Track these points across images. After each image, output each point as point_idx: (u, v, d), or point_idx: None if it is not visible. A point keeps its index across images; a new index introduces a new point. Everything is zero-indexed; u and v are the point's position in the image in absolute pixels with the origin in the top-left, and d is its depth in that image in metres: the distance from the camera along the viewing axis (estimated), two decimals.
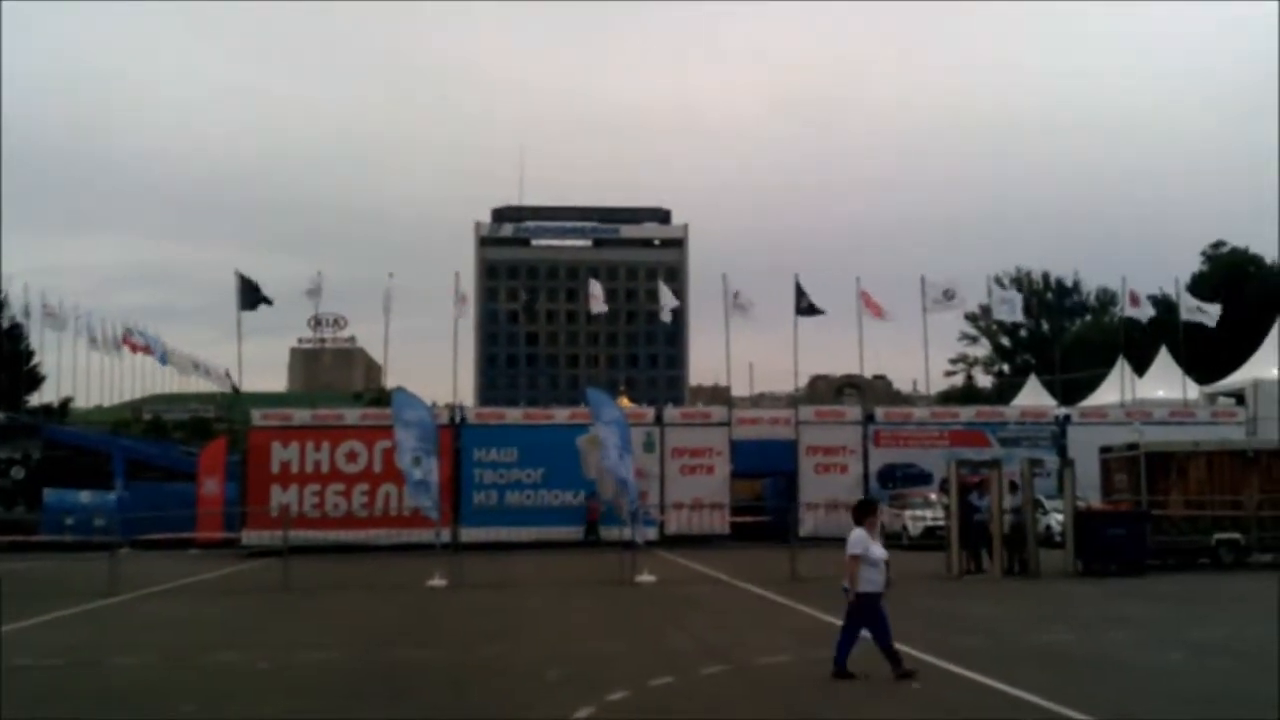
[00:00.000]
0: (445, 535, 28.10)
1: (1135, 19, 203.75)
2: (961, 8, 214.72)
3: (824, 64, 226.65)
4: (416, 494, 26.75)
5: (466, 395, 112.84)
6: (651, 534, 35.04)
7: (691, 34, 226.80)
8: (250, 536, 36.37)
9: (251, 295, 43.45)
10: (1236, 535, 27.11)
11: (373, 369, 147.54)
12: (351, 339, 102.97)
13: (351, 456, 38.33)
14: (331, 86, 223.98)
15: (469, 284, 47.85)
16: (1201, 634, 16.43)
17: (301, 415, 40.09)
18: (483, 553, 32.14)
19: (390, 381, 59.50)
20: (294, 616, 20.40)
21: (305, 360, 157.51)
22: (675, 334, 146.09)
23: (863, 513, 13.10)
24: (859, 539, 12.66)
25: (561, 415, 42.56)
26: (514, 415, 43.25)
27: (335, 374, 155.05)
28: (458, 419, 39.74)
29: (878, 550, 12.71)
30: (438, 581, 24.57)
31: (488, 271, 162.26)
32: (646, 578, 25.02)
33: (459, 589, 23.95)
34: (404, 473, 26.88)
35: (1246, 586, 23.41)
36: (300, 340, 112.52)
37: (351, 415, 41.60)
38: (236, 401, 43.77)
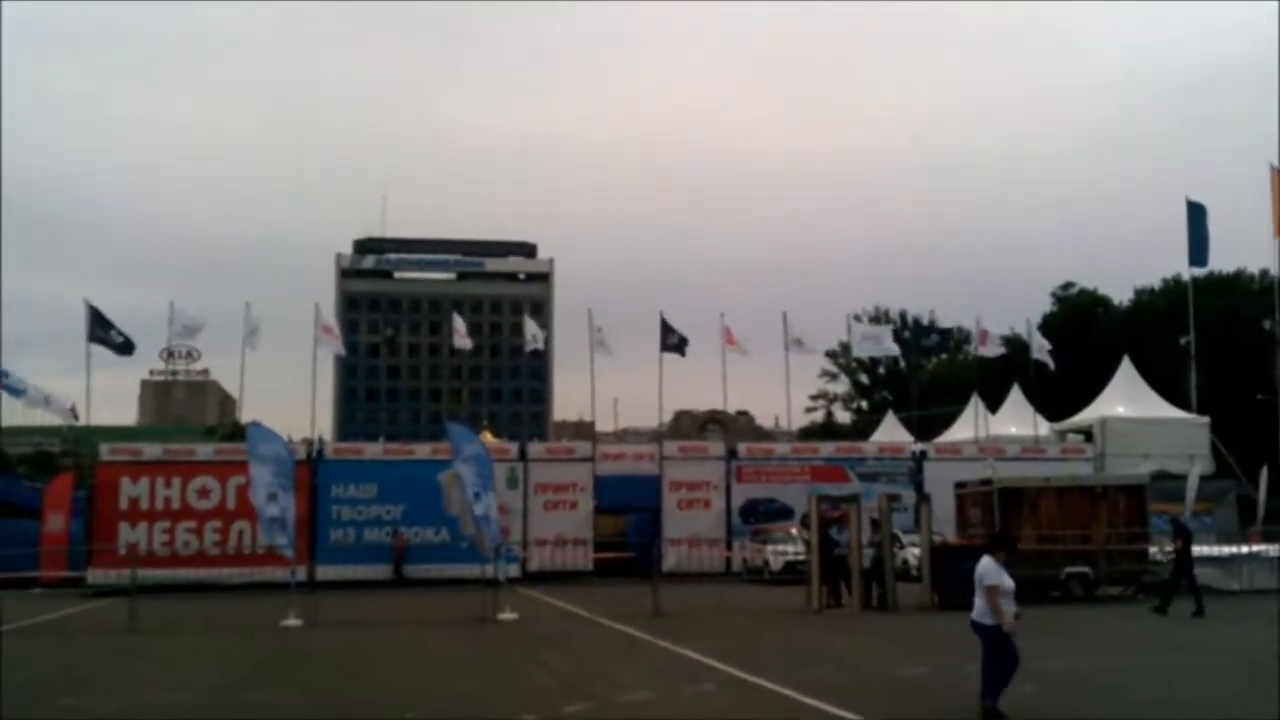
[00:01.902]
0: (301, 574, 27.42)
1: (986, 62, 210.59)
2: (818, 48, 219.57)
3: (684, 102, 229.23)
4: (271, 531, 26.06)
5: (325, 430, 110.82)
6: (513, 571, 34.68)
7: (556, 67, 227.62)
8: (96, 575, 35.06)
9: (103, 330, 42.01)
10: (1086, 569, 27.84)
11: (227, 402, 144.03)
12: (205, 371, 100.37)
13: (204, 493, 37.28)
14: (189, 109, 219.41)
15: (329, 316, 47.04)
16: (1053, 666, 16.76)
17: (152, 450, 38.89)
18: (340, 591, 31.49)
19: (245, 415, 58.07)
20: (141, 659, 19.64)
21: (157, 393, 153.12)
22: (540, 369, 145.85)
23: (999, 543, 12.64)
24: (993, 569, 12.02)
25: (423, 450, 41.93)
26: (373, 450, 42.56)
27: (188, 407, 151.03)
28: (315, 454, 38.94)
29: (1009, 581, 12.08)
30: (293, 621, 23.94)
31: (349, 304, 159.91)
32: (508, 615, 24.75)
33: (315, 629, 23.37)
34: (258, 509, 26.19)
35: (1096, 619, 24.05)
36: (152, 372, 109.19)
37: (204, 450, 40.47)
38: (84, 435, 42.23)
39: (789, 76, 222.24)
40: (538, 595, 31.35)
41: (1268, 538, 34.03)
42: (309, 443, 40.09)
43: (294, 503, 26.37)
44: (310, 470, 37.24)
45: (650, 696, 14.41)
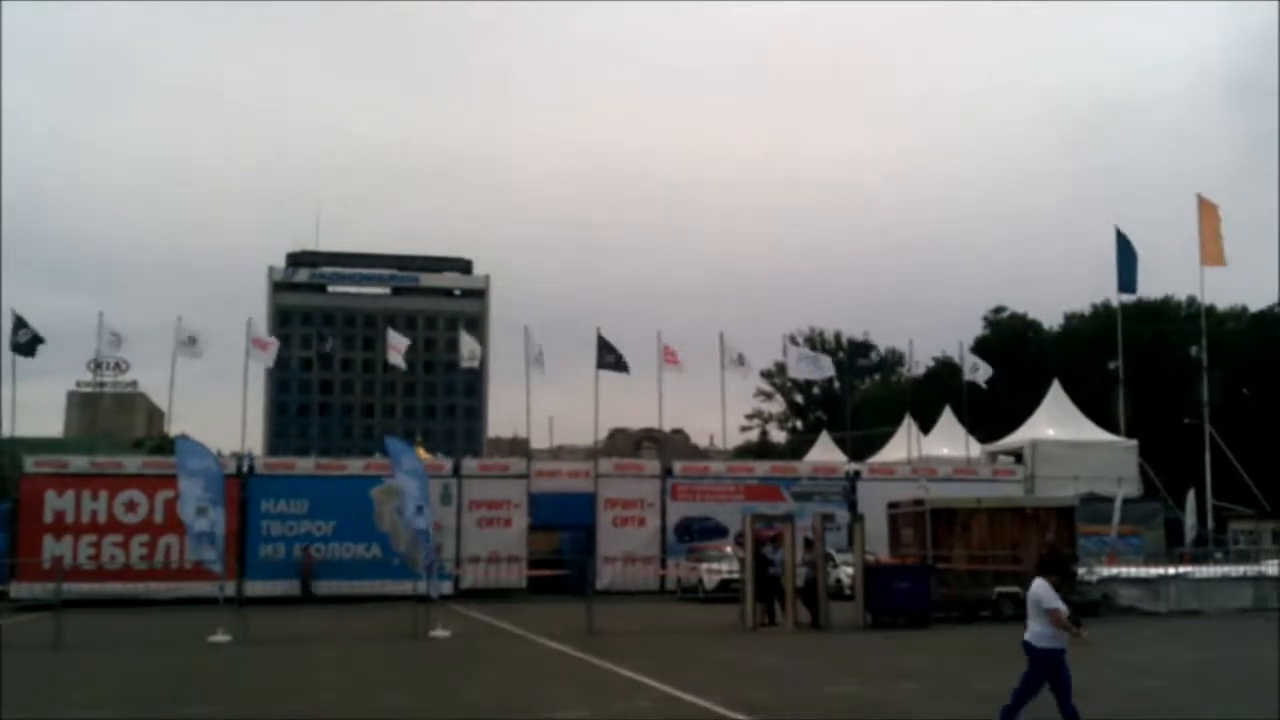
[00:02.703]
0: (230, 589, 27.03)
1: (919, 95, 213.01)
2: (757, 75, 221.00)
3: (622, 121, 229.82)
4: (200, 546, 25.71)
5: (255, 444, 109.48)
6: (446, 588, 34.41)
7: (494, 82, 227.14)
8: (20, 589, 34.33)
9: (26, 338, 41.28)
10: (1016, 589, 27.99)
11: (156, 415, 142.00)
12: (134, 383, 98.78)
13: (131, 506, 36.72)
14: (120, 119, 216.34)
15: (261, 330, 46.57)
16: (983, 685, 16.89)
17: (78, 462, 38.22)
18: (270, 607, 31.09)
19: (175, 429, 57.34)
20: (65, 675, 19.22)
21: (83, 404, 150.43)
22: (474, 385, 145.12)
23: (1052, 566, 12.33)
24: (1049, 592, 11.68)
25: (355, 466, 41.68)
26: (305, 465, 42.06)
27: (115, 419, 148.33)
28: (245, 468, 38.47)
29: (1063, 604, 11.77)
30: (221, 637, 23.59)
31: (281, 317, 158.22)
32: (441, 632, 24.55)
33: (244, 645, 23.04)
34: (187, 524, 25.82)
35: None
36: (79, 383, 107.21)
37: (132, 463, 39.80)
38: (8, 447, 41.40)
39: (727, 101, 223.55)
40: (471, 612, 31.13)
41: (1195, 560, 34.69)
42: (239, 457, 39.58)
43: (223, 518, 26.03)
44: (240, 485, 36.82)
45: (584, 715, 14.35)
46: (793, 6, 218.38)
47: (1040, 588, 11.70)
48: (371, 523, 37.99)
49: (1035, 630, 11.68)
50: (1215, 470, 48.39)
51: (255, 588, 33.18)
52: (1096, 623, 27.37)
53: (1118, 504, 38.79)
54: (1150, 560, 34.63)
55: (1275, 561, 33.75)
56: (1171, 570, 31.45)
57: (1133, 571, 31.88)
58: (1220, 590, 30.59)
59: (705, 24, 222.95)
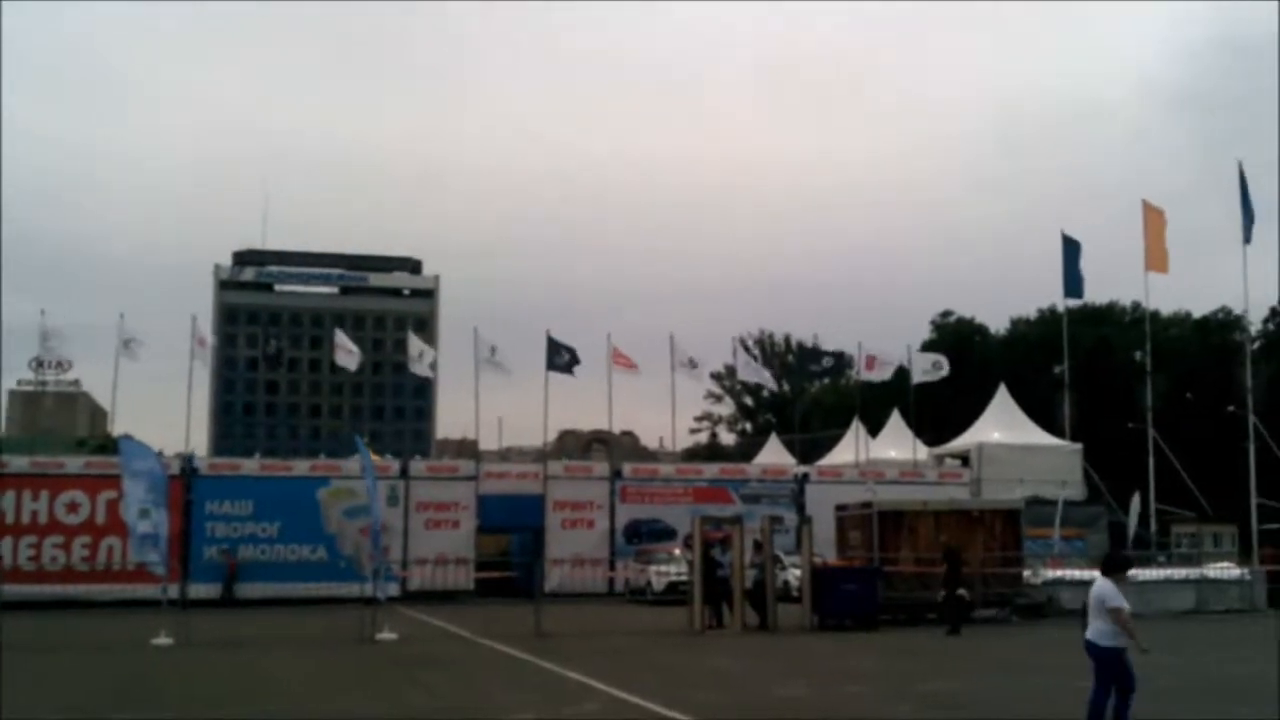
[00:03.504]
0: (173, 591, 26.68)
1: (872, 98, 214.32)
2: (713, 84, 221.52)
3: (571, 123, 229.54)
4: (142, 548, 25.36)
5: (200, 444, 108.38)
6: (393, 590, 34.17)
7: (444, 83, 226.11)
8: None
9: None
10: (962, 591, 28.27)
11: (99, 415, 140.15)
12: (76, 382, 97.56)
13: (72, 507, 36.16)
14: (62, 114, 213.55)
15: (206, 329, 46.03)
16: (931, 687, 17.00)
17: (18, 462, 37.58)
18: (213, 609, 30.74)
19: (118, 428, 56.57)
20: (5, 679, 18.85)
21: (24, 403, 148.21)
22: (423, 385, 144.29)
23: (1117, 566, 12.37)
24: (1114, 591, 11.69)
25: (301, 467, 41.31)
26: (250, 466, 41.61)
27: (57, 419, 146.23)
28: (189, 469, 38.03)
29: (1127, 604, 11.78)
30: (163, 640, 23.27)
31: (227, 316, 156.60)
32: (387, 635, 24.35)
33: (187, 648, 22.75)
34: (130, 525, 25.48)
35: (971, 641, 24.45)
36: (20, 382, 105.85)
37: (74, 463, 39.19)
38: None
39: (680, 105, 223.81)
40: (418, 615, 30.93)
41: (1140, 563, 35.06)
42: (183, 458, 39.12)
43: (167, 519, 25.70)
44: (184, 486, 36.43)
45: (532, 718, 14.27)
46: (741, 9, 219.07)
47: (1104, 586, 11.71)
48: (318, 524, 37.69)
49: (1098, 628, 11.64)
50: (1158, 474, 48.95)
51: (199, 590, 32.77)
52: (1041, 625, 27.74)
53: (1059, 507, 39.13)
54: (1094, 563, 34.93)
55: (1217, 564, 34.28)
56: None
57: (1077, 574, 32.16)
58: (1163, 593, 30.91)
59: (658, 26, 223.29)
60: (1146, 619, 28.74)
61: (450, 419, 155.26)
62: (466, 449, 77.40)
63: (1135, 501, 43.37)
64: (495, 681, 18.21)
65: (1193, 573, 33.21)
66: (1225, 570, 33.81)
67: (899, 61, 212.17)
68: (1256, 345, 63.96)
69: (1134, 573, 32.07)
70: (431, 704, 15.70)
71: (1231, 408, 49.34)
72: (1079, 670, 18.91)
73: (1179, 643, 24.08)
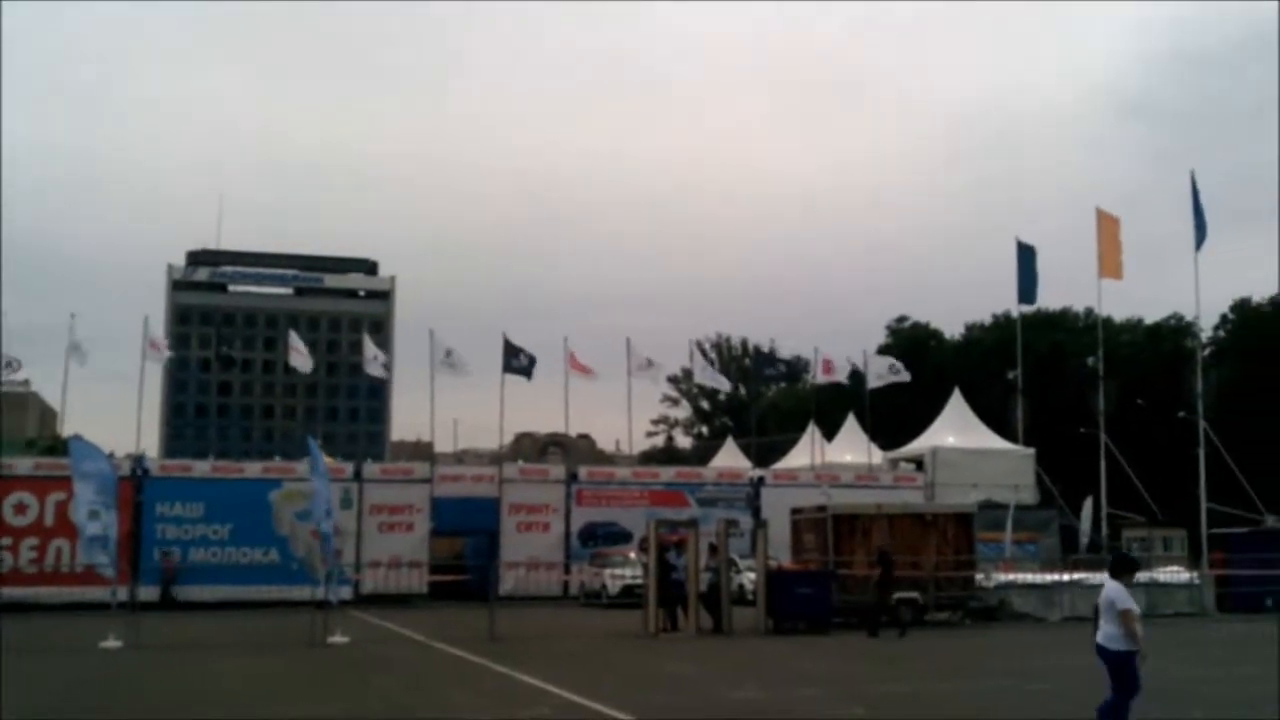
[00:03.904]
0: (122, 594, 26.36)
1: (827, 103, 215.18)
2: (668, 86, 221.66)
3: (527, 125, 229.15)
4: (92, 550, 25.07)
5: (151, 446, 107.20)
6: (346, 593, 33.93)
7: (400, 84, 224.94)
8: None
9: None
10: (915, 594, 28.40)
11: (48, 415, 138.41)
12: (26, 382, 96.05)
13: (21, 509, 35.62)
14: (15, 112, 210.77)
15: (159, 329, 45.47)
16: (884, 689, 17.06)
17: None
18: (164, 612, 30.42)
19: (68, 429, 55.84)
20: None
21: None
22: (378, 387, 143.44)
23: (1125, 568, 12.23)
24: (1124, 593, 11.64)
25: (253, 469, 40.96)
26: (202, 468, 41.16)
27: (6, 419, 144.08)
28: (140, 470, 37.61)
29: (1137, 607, 11.75)
30: (112, 643, 22.98)
31: (180, 317, 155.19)
32: (340, 639, 24.15)
33: (137, 651, 22.47)
34: (79, 527, 25.16)
35: (923, 644, 24.57)
36: None
37: (23, 465, 38.64)
38: None
39: (637, 107, 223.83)
40: (371, 618, 30.72)
41: (1090, 566, 35.35)
42: (134, 459, 38.67)
43: (116, 521, 25.41)
44: (134, 487, 36.01)
45: None
46: (695, 9, 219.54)
47: (1114, 589, 11.67)
48: (270, 526, 37.37)
49: (1108, 632, 11.62)
50: (1110, 479, 49.44)
51: (150, 593, 32.38)
52: (993, 628, 27.94)
53: (1010, 512, 39.43)
54: (1045, 567, 35.26)
55: (1167, 568, 34.63)
56: (1066, 577, 32.02)
57: (1028, 578, 32.43)
58: None
59: (624, 26, 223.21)
60: None
61: (405, 421, 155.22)
62: (421, 451, 77.09)
63: (1087, 506, 43.80)
64: (449, 685, 18.10)
65: (1143, 576, 33.48)
66: (1175, 574, 34.17)
67: (857, 68, 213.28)
68: (1207, 352, 64.74)
69: (1085, 576, 32.57)
70: (384, 707, 15.58)
71: (1182, 413, 49.92)
72: (1031, 673, 19.10)
73: None
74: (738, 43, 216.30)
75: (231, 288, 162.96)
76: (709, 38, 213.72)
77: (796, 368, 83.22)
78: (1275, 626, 27.77)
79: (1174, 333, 76.33)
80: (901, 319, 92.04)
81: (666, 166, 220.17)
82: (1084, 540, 42.61)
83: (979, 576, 30.28)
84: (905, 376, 50.65)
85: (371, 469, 42.18)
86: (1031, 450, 49.28)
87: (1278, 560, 32.53)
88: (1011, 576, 32.24)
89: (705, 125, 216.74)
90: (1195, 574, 34.02)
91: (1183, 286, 58.95)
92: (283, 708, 15.56)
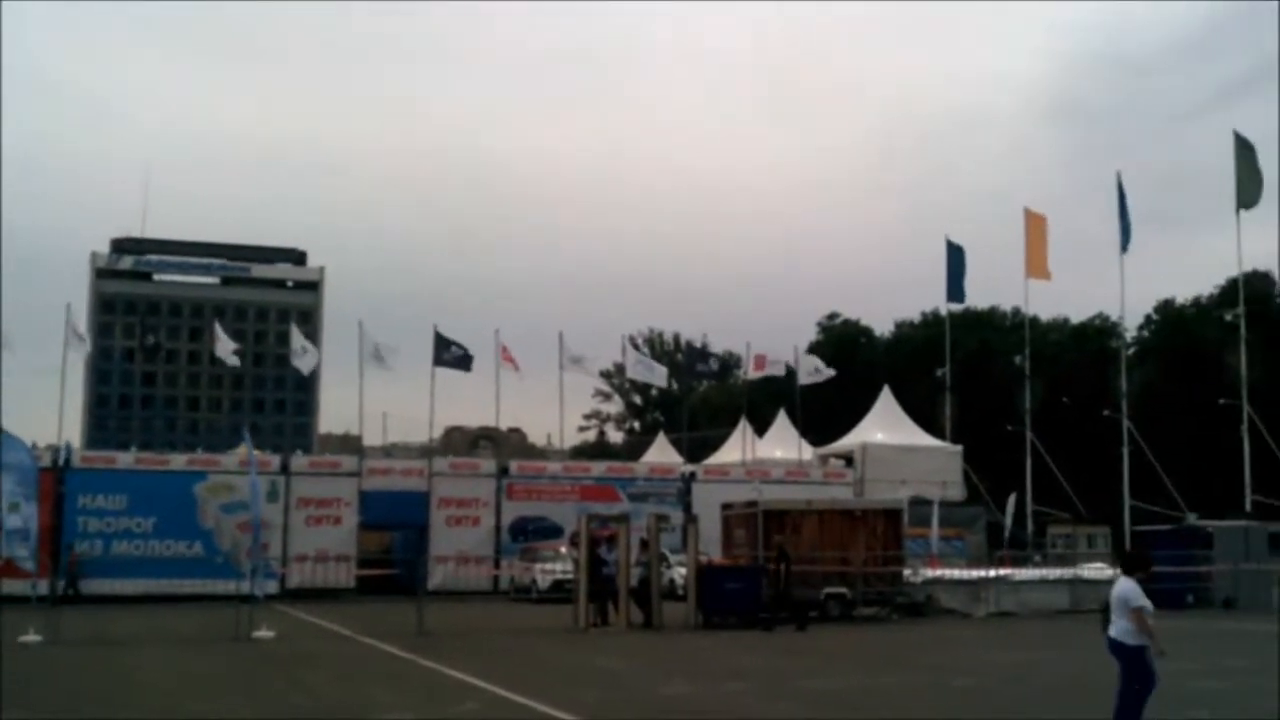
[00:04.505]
0: (42, 588, 25.84)
1: (760, 97, 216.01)
2: (601, 76, 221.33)
3: (463, 114, 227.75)
4: (11, 543, 24.54)
5: (73, 437, 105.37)
6: (271, 587, 33.53)
7: (330, 73, 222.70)
8: None
9: None
10: (844, 590, 28.60)
11: None
12: None
13: None
14: None
15: (82, 318, 44.62)
16: (813, 684, 17.10)
17: None
18: (86, 606, 29.86)
19: None
20: None
21: None
22: (306, 379, 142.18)
23: (1137, 565, 12.15)
24: (1136, 590, 11.57)
25: (178, 461, 40.40)
26: (125, 460, 40.55)
27: None
28: (62, 462, 36.91)
29: (1149, 603, 11.63)
30: (32, 637, 22.49)
31: (103, 306, 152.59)
32: (265, 633, 23.83)
33: (57, 645, 22.02)
34: None
35: (851, 638, 24.73)
36: None
37: None
38: None
39: (567, 97, 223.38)
40: (297, 613, 30.37)
41: (1015, 563, 35.85)
42: (55, 450, 37.95)
43: (37, 513, 24.90)
44: (56, 479, 35.38)
45: (412, 718, 14.06)
46: (642, 9, 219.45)
47: (1126, 586, 11.66)
48: (194, 520, 36.86)
49: (1121, 627, 11.58)
50: (1035, 476, 50.10)
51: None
52: (920, 624, 28.17)
53: (935, 508, 39.78)
54: (972, 563, 35.66)
55: (1091, 565, 35.16)
56: (992, 573, 32.40)
57: (955, 574, 32.78)
58: (1039, 592, 31.64)
59: (538, 18, 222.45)
60: (1022, 618, 29.55)
61: (334, 414, 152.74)
62: (350, 444, 76.32)
63: (1010, 502, 44.31)
64: (375, 680, 17.90)
65: (1067, 573, 34.03)
66: (1098, 570, 34.68)
67: (788, 64, 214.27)
68: (1131, 351, 65.73)
69: (1011, 572, 33.00)
70: (309, 703, 15.37)
71: (1107, 412, 50.70)
72: (958, 668, 19.26)
73: (1055, 641, 24.66)
74: (673, 38, 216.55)
75: (157, 277, 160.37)
76: (648, 32, 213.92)
77: (728, 363, 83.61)
78: (1194, 622, 28.32)
79: (1099, 332, 77.47)
80: (833, 316, 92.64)
81: (600, 160, 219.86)
82: (1008, 536, 43.09)
83: (906, 572, 30.53)
84: (828, 374, 50.98)
85: (299, 462, 41.85)
86: (959, 447, 49.81)
87: (1198, 558, 33.14)
88: (938, 572, 32.57)
89: (639, 119, 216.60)
90: (1118, 570, 34.51)
91: (1108, 287, 59.84)
92: (206, 704, 15.31)
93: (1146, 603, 11.46)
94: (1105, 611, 11.94)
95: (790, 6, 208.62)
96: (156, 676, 18.17)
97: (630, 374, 57.02)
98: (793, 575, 26.58)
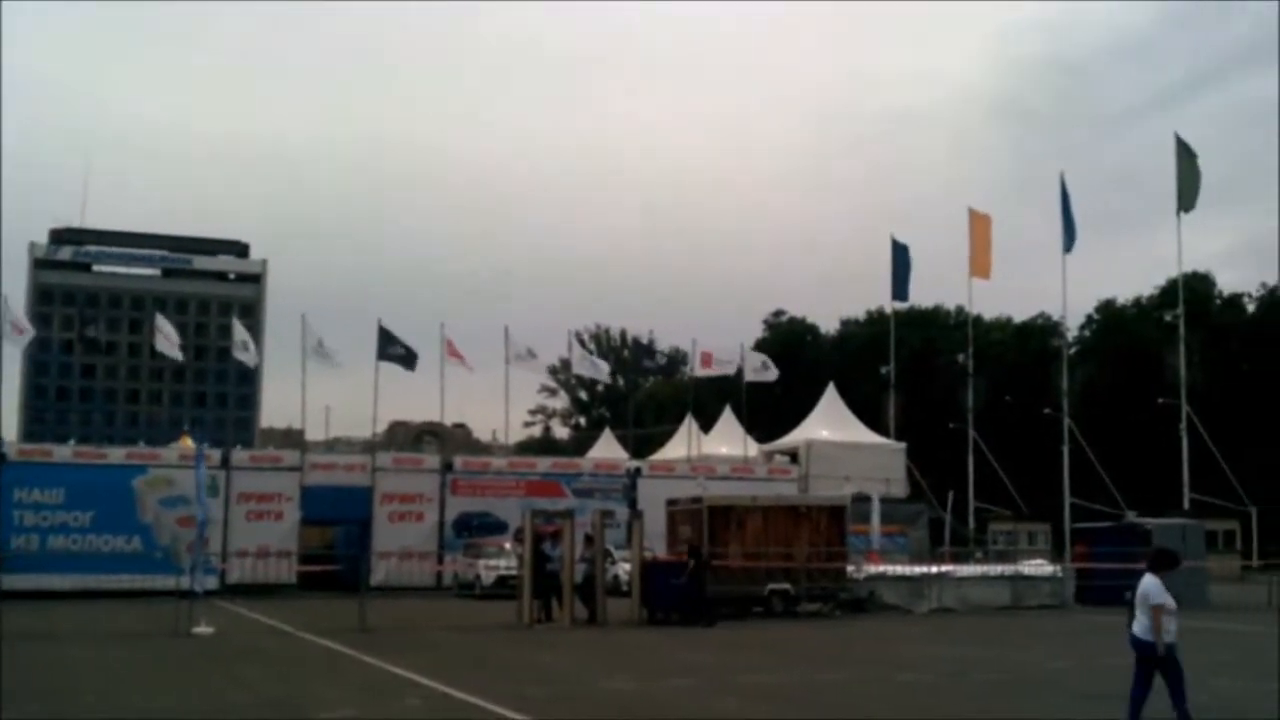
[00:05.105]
0: None
1: (705, 92, 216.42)
2: (546, 68, 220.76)
3: (402, 107, 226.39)
4: None
5: (10, 429, 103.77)
6: (211, 583, 33.09)
7: (271, 65, 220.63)
8: None
9: None
10: (787, 585, 28.68)
11: None
12: None
13: None
14: None
15: (20, 309, 43.85)
16: (756, 680, 17.11)
17: None
18: (22, 601, 29.36)
19: None
20: None
21: None
22: (248, 373, 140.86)
23: (1163, 562, 12.16)
24: (1158, 588, 11.64)
25: (117, 454, 39.80)
26: (63, 453, 39.86)
27: None
28: None
29: (1172, 601, 11.75)
30: None
31: (41, 297, 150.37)
32: (204, 629, 23.50)
33: None
34: None
35: (794, 634, 24.79)
36: None
37: None
38: None
39: (517, 90, 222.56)
40: (237, 609, 30.03)
41: (956, 559, 36.10)
42: None
43: None
44: None
45: (353, 714, 13.91)
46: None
47: (1150, 583, 11.71)
48: (133, 514, 36.35)
49: (1144, 625, 11.65)
50: (978, 473, 50.60)
51: (11, 581, 31.32)
52: (863, 619, 28.30)
53: (874, 504, 39.86)
54: (915, 559, 35.89)
55: (1031, 561, 35.50)
56: (934, 569, 32.62)
57: (898, 570, 32.97)
58: (980, 589, 31.88)
59: (488, 12, 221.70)
60: (962, 614, 29.77)
61: (276, 408, 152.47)
62: (292, 439, 75.65)
63: (950, 498, 44.67)
64: (316, 676, 17.72)
65: (1008, 569, 34.31)
66: (1039, 567, 35.01)
67: (730, 53, 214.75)
68: (1073, 350, 66.58)
69: (952, 568, 33.23)
70: (249, 699, 15.17)
71: (1048, 410, 51.25)
72: (900, 663, 19.36)
73: (995, 637, 24.87)
74: (594, 18, 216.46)
75: (96, 268, 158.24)
76: (588, 23, 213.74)
77: (675, 360, 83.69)
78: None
79: (1041, 332, 78.38)
80: (779, 313, 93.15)
81: (545, 152, 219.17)
82: (948, 533, 43.38)
83: (850, 568, 30.67)
84: (772, 375, 51.16)
85: (240, 456, 41.43)
86: (903, 445, 50.14)
87: (1137, 555, 33.46)
88: (881, 569, 32.73)
89: (586, 110, 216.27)
90: (1058, 567, 34.90)
91: (1051, 287, 60.50)
92: (143, 699, 15.08)
93: (1167, 600, 11.61)
94: (1130, 609, 12.03)
95: (737, 6, 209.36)
96: (95, 673, 17.90)
97: (576, 370, 56.97)
98: (705, 573, 26.62)
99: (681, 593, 26.57)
